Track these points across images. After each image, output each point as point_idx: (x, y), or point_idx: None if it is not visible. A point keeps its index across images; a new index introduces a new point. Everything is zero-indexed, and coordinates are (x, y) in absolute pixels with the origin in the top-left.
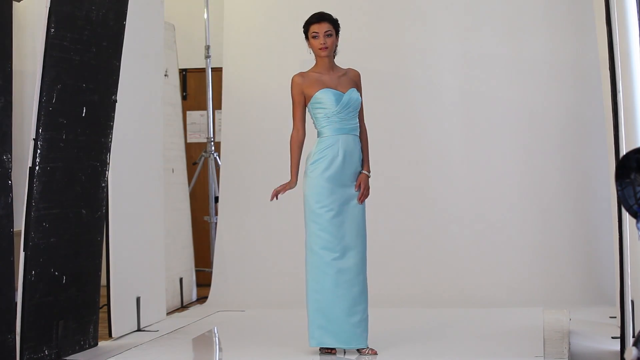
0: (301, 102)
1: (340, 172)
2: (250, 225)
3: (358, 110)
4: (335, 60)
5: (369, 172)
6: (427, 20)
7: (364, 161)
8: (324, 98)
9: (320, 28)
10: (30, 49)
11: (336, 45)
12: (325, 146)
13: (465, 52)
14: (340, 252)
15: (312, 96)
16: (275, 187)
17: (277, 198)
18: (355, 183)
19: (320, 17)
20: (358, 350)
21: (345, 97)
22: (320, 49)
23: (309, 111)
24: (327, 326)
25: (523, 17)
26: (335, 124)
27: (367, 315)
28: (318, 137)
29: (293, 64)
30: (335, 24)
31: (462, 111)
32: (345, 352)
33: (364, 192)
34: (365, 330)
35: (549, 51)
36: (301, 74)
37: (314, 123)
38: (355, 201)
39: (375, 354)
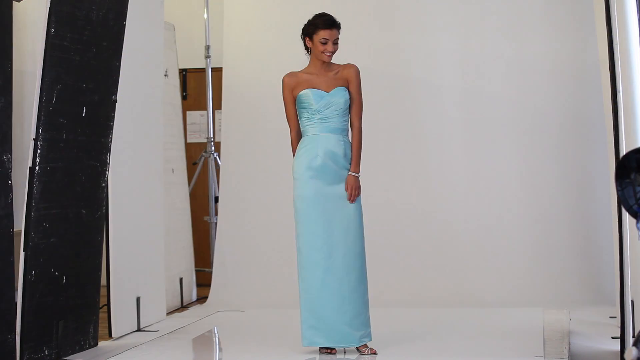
0: (292, 101)
1: (323, 171)
2: (250, 225)
3: (344, 110)
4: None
5: (356, 172)
6: (427, 20)
7: (352, 160)
8: (306, 97)
9: (331, 35)
10: (30, 49)
11: None
12: (304, 146)
13: (466, 52)
14: (327, 252)
15: (296, 96)
16: (277, 187)
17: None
18: (343, 183)
19: (332, 24)
20: (358, 350)
21: (327, 96)
22: (326, 54)
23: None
24: (318, 325)
25: (523, 17)
26: (316, 123)
27: (364, 314)
28: (302, 136)
29: (292, 64)
30: (340, 29)
31: (462, 111)
32: (345, 352)
33: (351, 192)
34: (359, 329)
35: (549, 51)
36: (291, 74)
37: (299, 123)
38: (345, 200)
39: (375, 353)
